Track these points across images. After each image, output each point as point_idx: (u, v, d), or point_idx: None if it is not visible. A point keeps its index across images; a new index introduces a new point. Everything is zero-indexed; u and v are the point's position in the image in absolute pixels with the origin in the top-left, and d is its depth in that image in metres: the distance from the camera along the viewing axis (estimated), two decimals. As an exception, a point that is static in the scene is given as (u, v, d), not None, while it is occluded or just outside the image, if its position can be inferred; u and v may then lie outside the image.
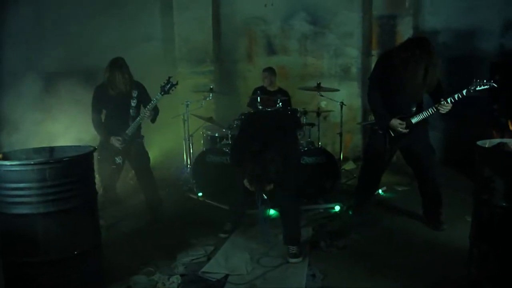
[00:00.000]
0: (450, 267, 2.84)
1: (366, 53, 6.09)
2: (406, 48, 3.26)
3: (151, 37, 6.22)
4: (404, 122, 3.40)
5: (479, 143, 2.44)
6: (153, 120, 3.93)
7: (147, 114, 3.76)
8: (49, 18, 5.46)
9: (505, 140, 2.41)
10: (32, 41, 5.03)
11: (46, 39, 5.28)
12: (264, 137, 3.03)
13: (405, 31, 5.80)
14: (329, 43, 6.33)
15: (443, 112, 3.29)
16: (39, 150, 2.76)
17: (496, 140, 2.42)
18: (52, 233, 2.40)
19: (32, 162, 2.34)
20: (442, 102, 3.25)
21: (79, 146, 2.84)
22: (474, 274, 2.47)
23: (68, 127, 4.51)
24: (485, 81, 3.06)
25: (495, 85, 3.07)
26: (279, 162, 2.84)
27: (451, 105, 3.25)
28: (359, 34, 6.25)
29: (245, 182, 2.99)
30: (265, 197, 3.08)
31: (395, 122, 3.41)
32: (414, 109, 3.43)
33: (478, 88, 3.09)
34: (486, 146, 2.41)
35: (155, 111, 3.87)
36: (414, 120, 3.41)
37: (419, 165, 3.57)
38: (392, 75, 3.33)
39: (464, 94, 3.16)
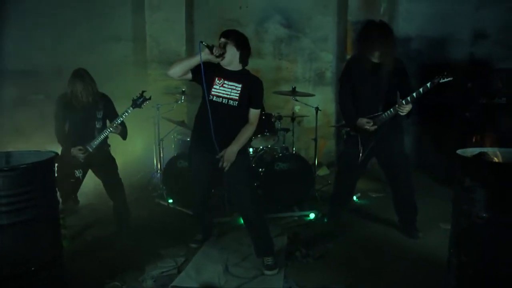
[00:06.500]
0: (427, 276, 2.80)
1: (341, 58, 6.05)
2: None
3: (121, 37, 5.99)
4: (371, 121, 3.37)
5: (459, 152, 2.39)
6: (124, 137, 3.66)
7: (112, 128, 3.50)
8: (11, 11, 5.15)
9: (485, 149, 2.37)
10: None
11: (7, 34, 4.98)
12: None
13: (379, 37, 5.80)
14: (304, 47, 6.28)
15: (402, 113, 3.25)
16: (-6, 156, 2.52)
17: (477, 149, 2.37)
18: (5, 247, 2.18)
19: (-17, 170, 2.12)
20: (400, 102, 3.22)
21: (39, 151, 2.60)
22: (453, 285, 2.42)
23: (28, 131, 4.24)
24: (445, 73, 2.99)
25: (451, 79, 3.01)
26: None
27: (410, 105, 3.20)
28: (334, 39, 6.23)
29: None
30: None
31: (362, 121, 3.38)
32: (381, 109, 3.38)
33: (442, 81, 3.00)
34: (466, 155, 2.37)
35: (123, 127, 3.61)
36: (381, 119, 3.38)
37: (394, 174, 3.53)
38: (358, 76, 3.38)
39: (429, 86, 3.03)
